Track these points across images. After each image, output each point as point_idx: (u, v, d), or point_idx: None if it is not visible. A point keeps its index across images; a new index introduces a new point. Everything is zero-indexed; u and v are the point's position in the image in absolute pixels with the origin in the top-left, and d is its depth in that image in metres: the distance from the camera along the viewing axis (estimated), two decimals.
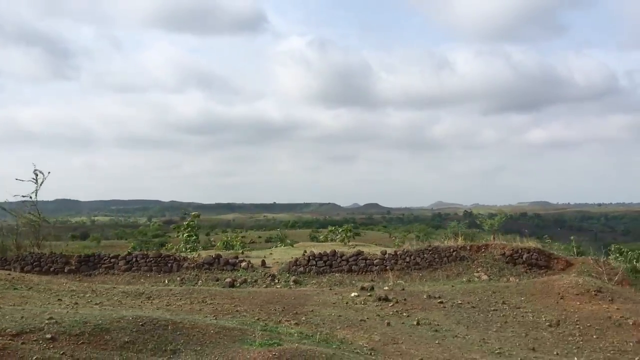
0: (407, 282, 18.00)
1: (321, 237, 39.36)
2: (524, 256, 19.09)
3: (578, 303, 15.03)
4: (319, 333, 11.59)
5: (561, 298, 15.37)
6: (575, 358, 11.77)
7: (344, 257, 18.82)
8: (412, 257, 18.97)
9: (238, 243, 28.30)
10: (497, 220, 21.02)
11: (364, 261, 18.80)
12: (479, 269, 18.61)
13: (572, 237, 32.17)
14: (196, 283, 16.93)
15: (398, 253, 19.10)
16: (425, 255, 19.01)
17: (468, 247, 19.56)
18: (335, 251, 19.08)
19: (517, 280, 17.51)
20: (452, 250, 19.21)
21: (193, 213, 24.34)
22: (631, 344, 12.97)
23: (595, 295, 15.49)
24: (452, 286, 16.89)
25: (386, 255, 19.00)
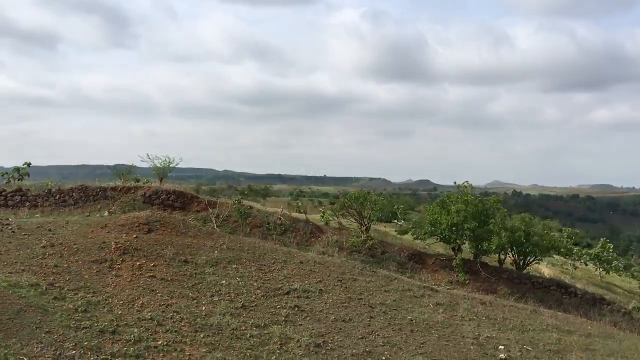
0: (42, 215, 20.32)
1: None
2: (162, 197, 20.81)
3: (106, 232, 16.89)
4: None
5: (101, 228, 17.27)
6: None
7: (3, 194, 21.29)
8: (62, 195, 21.18)
9: None
10: (166, 169, 22.58)
11: (20, 197, 21.23)
12: (112, 208, 20.54)
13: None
14: None
15: (52, 191, 21.33)
16: (74, 194, 21.15)
17: (119, 189, 21.47)
18: None
19: (116, 215, 19.27)
20: (99, 190, 21.20)
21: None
22: (76, 265, 14.72)
23: (138, 227, 17.23)
24: (66, 221, 18.96)
25: (40, 193, 21.27)
